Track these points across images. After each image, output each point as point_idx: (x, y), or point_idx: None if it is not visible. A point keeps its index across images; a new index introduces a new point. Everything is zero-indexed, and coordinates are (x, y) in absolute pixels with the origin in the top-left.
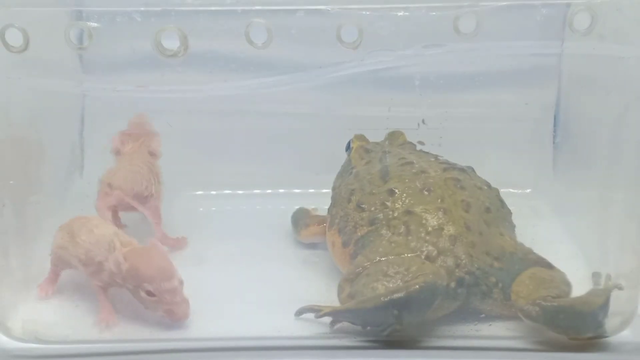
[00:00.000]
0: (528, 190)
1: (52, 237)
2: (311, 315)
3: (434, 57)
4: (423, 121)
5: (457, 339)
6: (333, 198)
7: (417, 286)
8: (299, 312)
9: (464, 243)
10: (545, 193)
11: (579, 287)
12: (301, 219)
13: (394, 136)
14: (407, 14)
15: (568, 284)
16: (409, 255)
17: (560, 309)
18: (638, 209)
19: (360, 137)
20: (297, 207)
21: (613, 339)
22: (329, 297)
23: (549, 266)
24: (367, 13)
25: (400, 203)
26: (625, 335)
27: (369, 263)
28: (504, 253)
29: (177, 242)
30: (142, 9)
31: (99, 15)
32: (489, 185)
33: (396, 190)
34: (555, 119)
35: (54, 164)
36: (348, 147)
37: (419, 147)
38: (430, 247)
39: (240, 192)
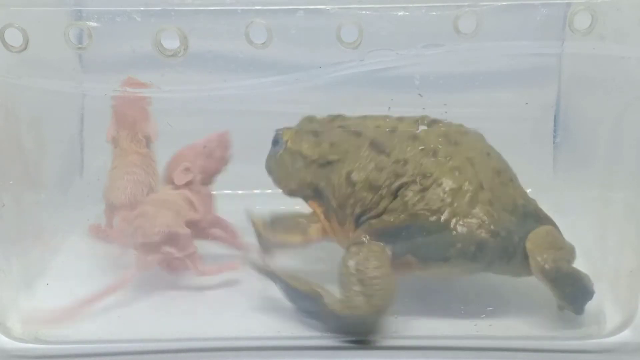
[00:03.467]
0: (528, 190)
1: (52, 237)
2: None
3: (434, 57)
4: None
5: (457, 339)
6: (325, 195)
7: (339, 306)
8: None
9: (482, 202)
10: (545, 193)
11: None
12: (296, 218)
13: (312, 117)
14: (407, 14)
15: (573, 249)
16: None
17: (574, 274)
18: (638, 209)
19: (288, 129)
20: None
21: (613, 339)
22: None
23: (555, 226)
24: (367, 13)
25: (413, 169)
26: (626, 335)
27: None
28: (516, 205)
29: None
30: (142, 8)
31: (99, 15)
32: (467, 128)
33: (407, 157)
34: (555, 118)
35: (54, 164)
36: (277, 143)
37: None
38: (447, 208)
39: (240, 192)
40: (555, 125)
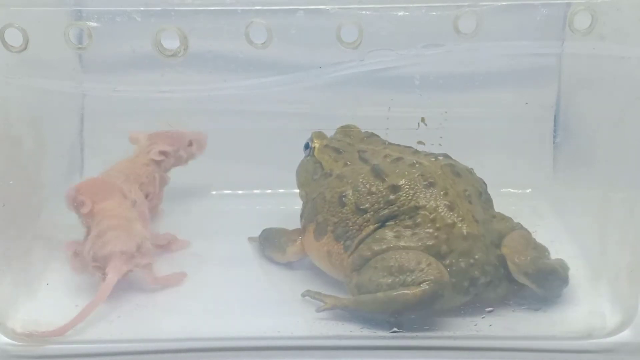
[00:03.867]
0: (528, 190)
1: (51, 237)
2: (311, 315)
3: (434, 57)
4: (423, 121)
5: (457, 339)
6: (313, 206)
7: (418, 293)
8: (305, 294)
9: (475, 238)
10: (545, 193)
11: (579, 287)
12: (279, 237)
13: (350, 130)
14: (407, 13)
15: (545, 248)
16: (414, 248)
17: (551, 269)
18: (638, 209)
19: (320, 135)
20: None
21: (613, 339)
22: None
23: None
24: (367, 13)
25: (405, 198)
26: (626, 335)
27: (376, 250)
28: (502, 237)
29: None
30: (142, 8)
31: (99, 15)
32: (468, 168)
33: (400, 184)
34: (555, 119)
35: (54, 164)
36: (307, 147)
37: (419, 147)
38: (443, 245)
39: (240, 192)
40: (555, 126)
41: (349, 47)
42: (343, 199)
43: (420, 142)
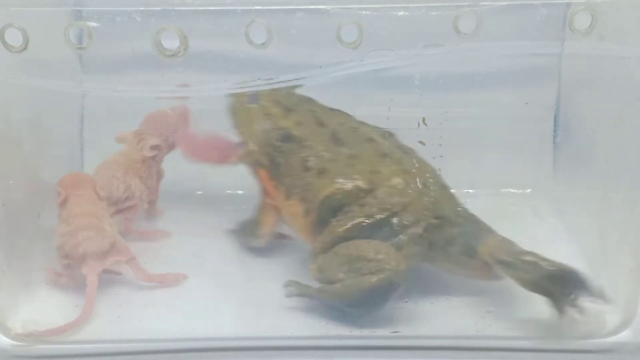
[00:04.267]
0: (528, 190)
1: (51, 237)
2: (310, 315)
3: (434, 57)
4: (424, 121)
5: (457, 339)
6: (277, 168)
7: (374, 281)
8: (286, 285)
9: (429, 196)
10: (545, 193)
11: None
12: (251, 226)
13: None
14: (407, 13)
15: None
16: (377, 241)
17: (535, 264)
18: (638, 209)
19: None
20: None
21: (613, 339)
22: None
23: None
24: (367, 13)
25: (363, 166)
26: (626, 335)
27: (339, 234)
28: (458, 212)
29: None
30: (142, 8)
31: (99, 15)
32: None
33: (358, 155)
34: (555, 119)
35: (54, 164)
36: (254, 98)
37: (419, 146)
38: (397, 203)
39: (240, 192)
40: (555, 126)
41: (348, 47)
42: (306, 163)
43: (420, 143)
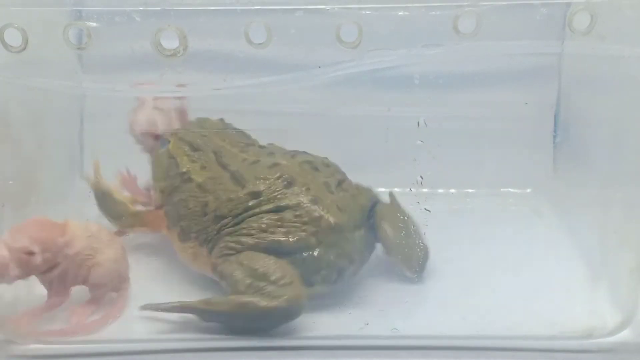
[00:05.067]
0: (528, 190)
1: None
2: (310, 315)
3: (434, 57)
4: (424, 121)
5: (457, 339)
6: (175, 210)
7: (271, 306)
8: (144, 308)
9: (341, 228)
10: (545, 193)
11: (578, 286)
12: (118, 210)
13: (206, 123)
14: (406, 13)
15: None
16: (283, 242)
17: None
18: (638, 209)
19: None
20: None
21: (613, 338)
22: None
23: None
24: (367, 12)
25: (267, 201)
26: (626, 335)
27: (243, 243)
28: (364, 213)
29: None
30: (141, 8)
31: (99, 15)
32: (323, 159)
33: (260, 190)
34: (555, 118)
35: (54, 164)
36: (165, 144)
37: (419, 145)
38: (312, 238)
39: None
40: (555, 125)
41: (348, 47)
42: (205, 209)
43: (420, 142)
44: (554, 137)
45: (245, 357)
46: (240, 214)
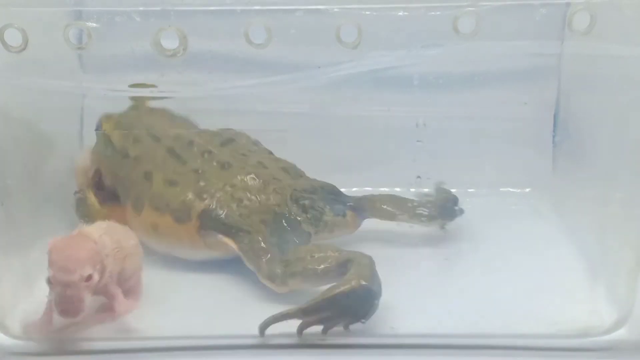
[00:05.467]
0: (527, 190)
1: (50, 235)
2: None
3: (434, 57)
4: (423, 122)
5: (455, 338)
6: (123, 185)
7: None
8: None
9: (284, 186)
10: (545, 192)
11: (576, 285)
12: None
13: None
14: (406, 13)
15: None
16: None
17: None
18: (635, 208)
19: (108, 118)
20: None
21: (610, 337)
22: None
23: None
24: (367, 13)
25: (214, 180)
26: (622, 333)
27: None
28: (314, 186)
29: None
30: (142, 8)
31: (99, 16)
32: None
33: (199, 171)
34: (555, 118)
35: (53, 164)
36: (98, 128)
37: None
38: (263, 202)
39: None
40: (554, 125)
41: (348, 47)
42: (150, 176)
43: (418, 141)
44: (554, 136)
45: (244, 355)
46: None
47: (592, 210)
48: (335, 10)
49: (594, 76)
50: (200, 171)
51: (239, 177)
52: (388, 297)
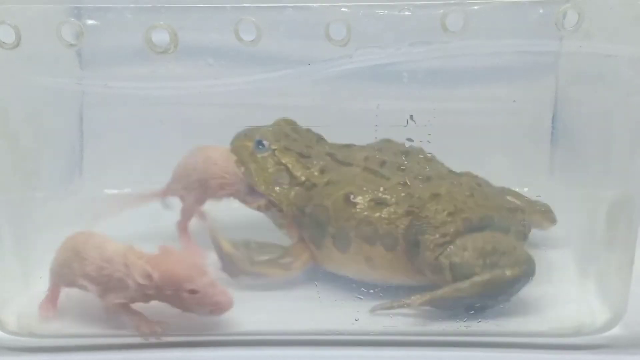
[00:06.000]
0: (525, 189)
1: (51, 236)
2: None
3: (426, 55)
4: (412, 118)
5: (447, 335)
6: (313, 220)
7: (515, 273)
8: (376, 309)
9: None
10: (542, 192)
11: (569, 285)
12: (273, 254)
13: (286, 125)
14: (395, 12)
15: None
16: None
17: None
18: (627, 207)
19: (274, 134)
20: None
21: (602, 335)
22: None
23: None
24: (355, 11)
25: (420, 190)
26: (615, 332)
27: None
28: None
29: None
30: (133, 5)
31: (90, 13)
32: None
33: (407, 182)
34: (553, 117)
35: (52, 162)
36: (261, 145)
37: (407, 144)
38: (486, 210)
39: None
40: (552, 124)
41: (337, 45)
42: (351, 199)
43: (408, 139)
44: (552, 135)
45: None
46: (403, 201)
47: (585, 208)
48: (324, 7)
49: (592, 74)
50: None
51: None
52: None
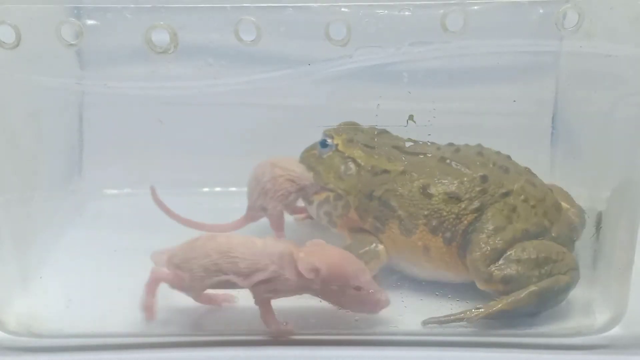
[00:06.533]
0: None
1: (50, 236)
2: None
3: (424, 55)
4: (411, 118)
5: (448, 335)
6: (382, 204)
7: (567, 279)
8: (429, 322)
9: (559, 206)
10: None
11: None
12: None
13: (358, 128)
14: (395, 12)
15: None
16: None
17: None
18: (627, 206)
19: (337, 130)
20: None
21: (603, 336)
22: None
23: None
24: (355, 11)
25: (495, 185)
26: (615, 332)
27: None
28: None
29: None
30: (132, 5)
31: (90, 13)
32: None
33: (488, 176)
34: (553, 116)
35: (52, 162)
36: (326, 144)
37: (407, 143)
38: (545, 220)
39: (233, 189)
40: (553, 123)
41: (337, 45)
42: (428, 190)
43: (409, 140)
44: (552, 134)
45: (239, 351)
46: (473, 198)
47: (586, 207)
48: (324, 7)
49: (592, 73)
50: (488, 178)
51: (517, 189)
52: None
